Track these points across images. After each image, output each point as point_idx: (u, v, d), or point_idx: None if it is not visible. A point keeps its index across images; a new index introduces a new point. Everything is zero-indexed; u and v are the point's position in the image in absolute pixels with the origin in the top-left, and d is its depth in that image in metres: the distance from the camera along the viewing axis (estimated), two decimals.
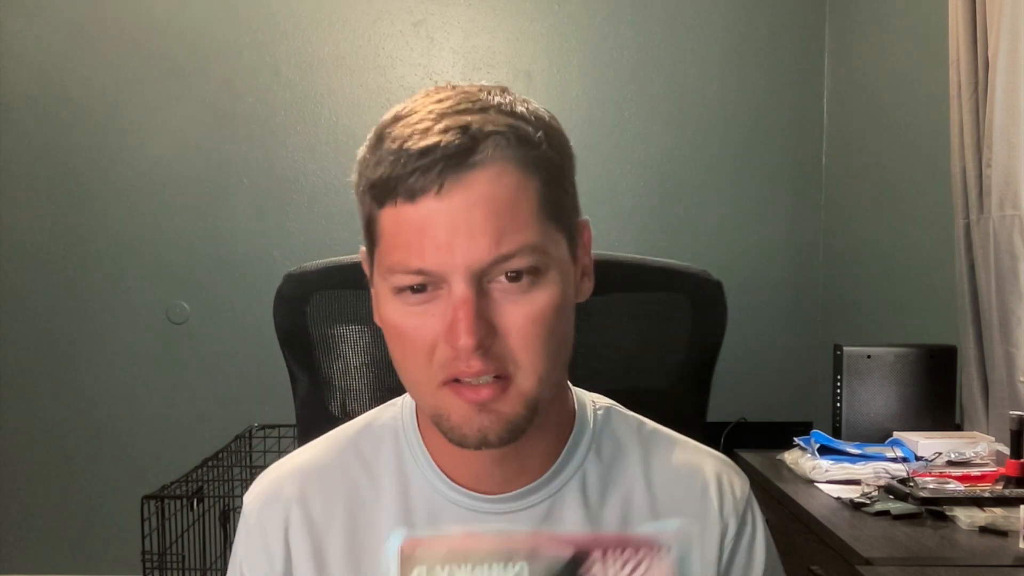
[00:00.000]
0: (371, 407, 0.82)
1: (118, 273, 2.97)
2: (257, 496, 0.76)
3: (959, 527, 1.40)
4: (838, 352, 1.91)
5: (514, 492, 0.73)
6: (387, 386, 0.78)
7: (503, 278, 0.64)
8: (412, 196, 0.63)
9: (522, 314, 0.64)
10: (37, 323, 2.98)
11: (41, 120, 2.95)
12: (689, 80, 2.97)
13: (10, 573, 2.98)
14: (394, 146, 0.64)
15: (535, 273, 0.65)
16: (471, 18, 2.98)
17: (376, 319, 0.71)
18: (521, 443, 0.70)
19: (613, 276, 0.95)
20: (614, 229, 2.92)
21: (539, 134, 0.67)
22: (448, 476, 0.73)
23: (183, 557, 2.26)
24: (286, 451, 0.80)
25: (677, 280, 1.00)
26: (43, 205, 2.96)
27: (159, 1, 2.94)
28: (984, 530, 1.38)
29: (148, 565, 2.18)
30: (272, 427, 2.70)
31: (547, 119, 0.69)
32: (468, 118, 0.64)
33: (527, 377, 0.65)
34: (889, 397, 1.90)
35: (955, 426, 1.97)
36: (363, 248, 0.72)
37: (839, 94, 2.91)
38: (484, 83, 0.70)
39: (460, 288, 0.63)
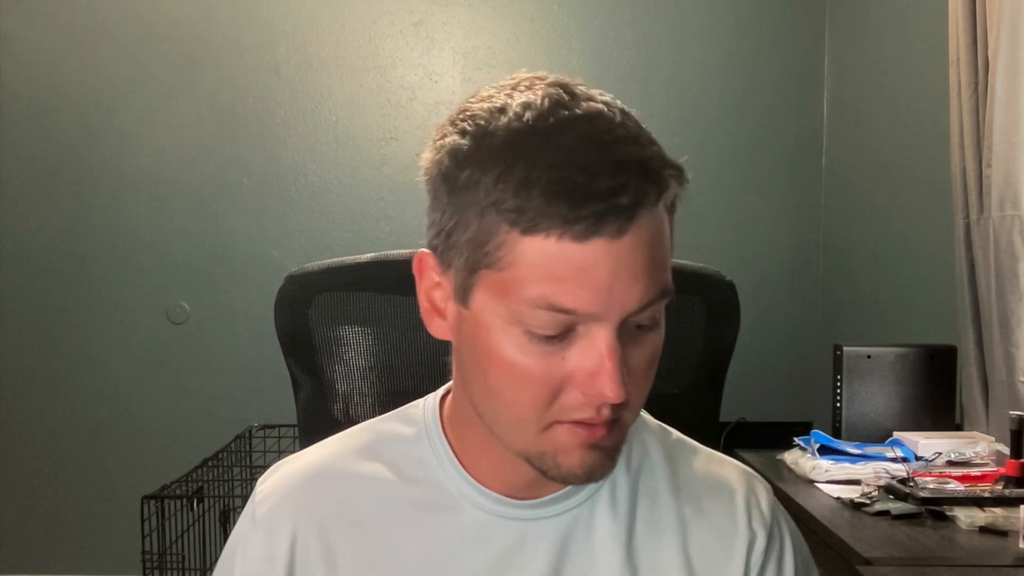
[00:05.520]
0: (376, 411, 0.80)
1: (118, 273, 2.97)
2: (270, 494, 0.73)
3: (959, 527, 1.40)
4: (838, 352, 1.91)
5: (544, 498, 0.70)
6: (392, 390, 0.77)
7: (633, 323, 0.61)
8: (584, 237, 0.57)
9: (642, 357, 0.62)
10: (37, 323, 2.98)
11: (40, 120, 2.95)
12: (689, 80, 2.97)
13: (10, 573, 2.98)
14: (557, 175, 0.57)
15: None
16: (471, 18, 2.97)
17: (450, 334, 0.66)
18: None
19: None
20: None
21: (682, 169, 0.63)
22: (475, 479, 0.71)
23: (183, 557, 2.25)
24: (286, 451, 0.80)
25: (691, 281, 0.98)
26: (42, 205, 2.96)
27: (159, 1, 2.94)
28: (984, 530, 1.37)
29: (148, 565, 2.17)
30: (272, 427, 2.70)
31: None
32: (637, 153, 0.59)
33: (631, 412, 0.64)
34: (889, 397, 1.89)
35: (955, 426, 1.97)
36: (427, 252, 0.65)
37: (839, 94, 2.91)
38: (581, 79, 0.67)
39: (608, 335, 0.59)
